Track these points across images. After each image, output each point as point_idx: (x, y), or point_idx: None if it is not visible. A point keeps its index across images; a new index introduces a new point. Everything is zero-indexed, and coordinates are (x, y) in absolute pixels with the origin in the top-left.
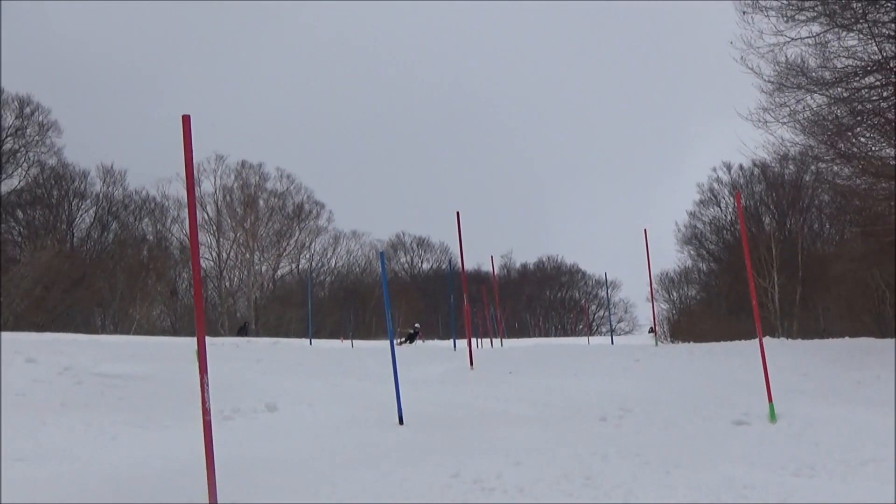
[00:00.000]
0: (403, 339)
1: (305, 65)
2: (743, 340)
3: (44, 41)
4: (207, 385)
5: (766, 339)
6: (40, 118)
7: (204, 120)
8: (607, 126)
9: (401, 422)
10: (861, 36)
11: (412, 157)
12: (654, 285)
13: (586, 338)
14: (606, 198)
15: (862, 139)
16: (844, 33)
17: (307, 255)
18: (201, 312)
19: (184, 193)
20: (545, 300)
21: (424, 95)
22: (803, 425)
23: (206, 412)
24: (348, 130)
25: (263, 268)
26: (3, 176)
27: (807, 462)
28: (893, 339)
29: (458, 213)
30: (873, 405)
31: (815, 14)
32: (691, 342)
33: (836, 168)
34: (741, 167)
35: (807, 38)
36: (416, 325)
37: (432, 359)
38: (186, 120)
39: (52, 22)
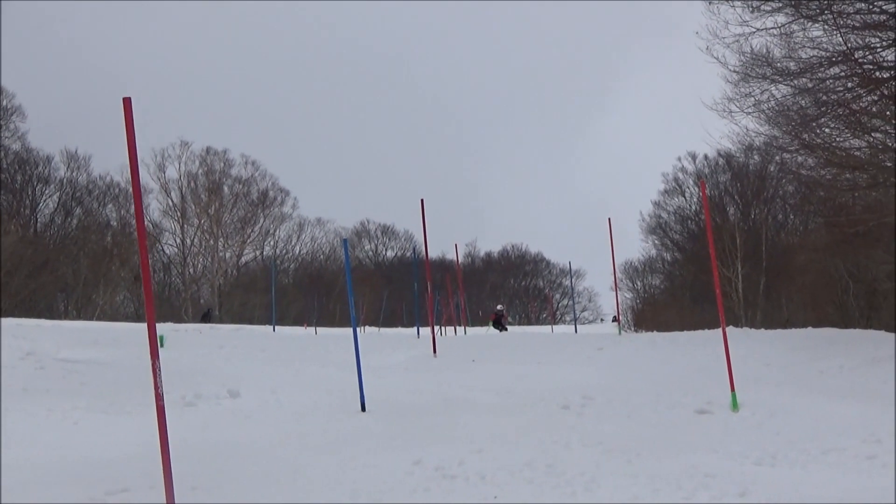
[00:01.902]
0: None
1: (270, 51)
2: (706, 330)
3: (7, 23)
4: (160, 370)
5: (730, 329)
6: (4, 102)
7: (170, 106)
8: (570, 113)
9: (363, 409)
10: (826, 27)
11: (377, 145)
12: (619, 274)
13: (550, 326)
14: (571, 187)
15: (826, 130)
16: (810, 24)
17: (271, 242)
18: (150, 296)
19: (148, 180)
20: (509, 288)
21: (389, 83)
22: (765, 414)
23: (159, 397)
24: (314, 117)
25: (228, 254)
26: None
27: (769, 451)
28: (894, 334)
29: (422, 201)
30: (835, 395)
31: (781, 4)
32: (655, 331)
33: (800, 159)
34: (706, 157)
35: (772, 28)
36: (500, 307)
37: (396, 346)
38: (127, 102)
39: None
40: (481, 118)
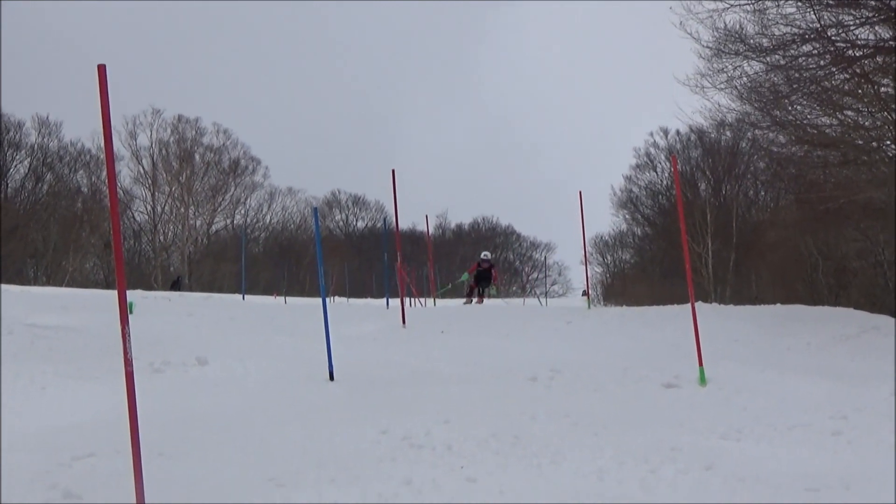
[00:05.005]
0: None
1: (242, 20)
2: (675, 305)
3: None
4: (129, 336)
5: (699, 305)
6: None
7: (141, 72)
8: (542, 85)
9: (331, 378)
10: (800, 4)
11: (349, 114)
12: (589, 248)
13: (522, 299)
14: (543, 158)
15: (798, 107)
16: (783, 0)
17: (242, 211)
18: (121, 262)
19: (120, 147)
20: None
21: (360, 52)
22: (732, 390)
23: (128, 363)
24: (286, 86)
25: (198, 222)
26: None
27: (734, 426)
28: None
29: (393, 172)
30: (802, 371)
31: None
32: (624, 306)
33: (771, 135)
34: (678, 132)
35: (745, 4)
36: (486, 254)
37: (365, 317)
38: (102, 70)
39: None
40: (452, 90)
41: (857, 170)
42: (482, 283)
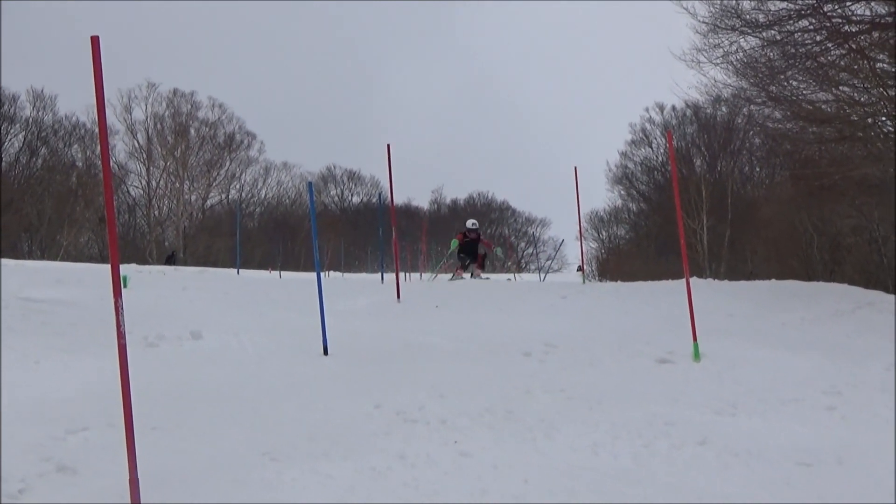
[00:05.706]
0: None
1: None
2: (670, 280)
3: None
4: (122, 309)
5: (694, 280)
6: None
7: (136, 45)
8: (539, 60)
9: (325, 352)
10: None
11: (345, 90)
12: (584, 224)
13: (514, 275)
14: (538, 134)
15: (793, 83)
16: None
17: (237, 186)
18: (113, 228)
19: (115, 121)
20: None
21: (356, 27)
22: (726, 365)
23: (121, 336)
24: (282, 61)
25: (193, 197)
26: None
27: (728, 401)
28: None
29: (388, 147)
30: (796, 347)
31: None
32: (619, 281)
33: (767, 111)
34: (673, 108)
35: None
36: (472, 222)
37: (359, 291)
38: (95, 41)
39: None
40: (446, 65)
41: (852, 146)
42: (469, 255)
